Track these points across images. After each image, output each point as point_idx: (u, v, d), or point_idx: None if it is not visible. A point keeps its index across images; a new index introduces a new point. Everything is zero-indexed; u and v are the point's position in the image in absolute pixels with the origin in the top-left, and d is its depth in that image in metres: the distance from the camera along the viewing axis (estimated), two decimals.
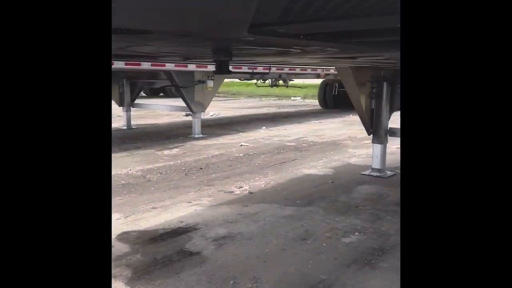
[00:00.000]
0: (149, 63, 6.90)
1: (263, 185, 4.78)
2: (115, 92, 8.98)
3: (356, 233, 3.39)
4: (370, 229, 3.49)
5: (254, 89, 23.54)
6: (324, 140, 8.01)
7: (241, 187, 4.72)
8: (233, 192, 4.53)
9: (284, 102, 18.29)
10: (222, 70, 1.79)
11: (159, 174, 5.28)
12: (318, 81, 14.58)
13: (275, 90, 21.25)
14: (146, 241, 3.21)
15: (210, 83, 7.89)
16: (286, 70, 9.56)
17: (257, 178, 5.11)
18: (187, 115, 10.82)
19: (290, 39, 1.20)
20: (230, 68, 7.17)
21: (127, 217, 3.74)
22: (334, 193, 4.52)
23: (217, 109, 13.69)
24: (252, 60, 3.41)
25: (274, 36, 1.12)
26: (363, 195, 4.44)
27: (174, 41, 1.26)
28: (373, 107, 5.21)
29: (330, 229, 3.48)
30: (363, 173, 5.34)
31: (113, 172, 5.36)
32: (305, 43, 1.29)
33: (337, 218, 3.74)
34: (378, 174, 5.23)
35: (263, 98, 20.32)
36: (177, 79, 7.62)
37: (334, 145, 7.44)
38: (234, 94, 22.79)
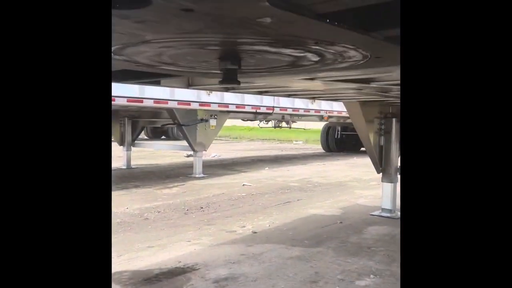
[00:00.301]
0: (152, 100, 6.81)
1: (268, 225, 4.49)
2: (116, 131, 8.84)
3: (372, 276, 3.07)
4: (386, 271, 3.17)
5: (256, 133, 23.56)
6: (329, 181, 7.76)
7: (244, 226, 4.43)
8: (235, 231, 4.24)
9: (286, 145, 18.16)
10: (230, 79, 1.61)
11: (157, 213, 5.00)
12: (320, 125, 14.53)
13: (277, 134, 21.25)
14: (139, 282, 2.90)
15: (213, 122, 7.76)
16: (289, 111, 9.48)
17: (261, 217, 4.83)
18: (188, 156, 10.63)
19: (314, 23, 1.01)
20: (233, 107, 7.02)
21: (120, 256, 3.43)
22: (343, 233, 4.21)
23: (218, 151, 13.52)
24: (260, 88, 3.26)
25: (299, 13, 0.93)
26: (375, 236, 4.14)
27: (175, 27, 1.08)
28: (382, 144, 5.01)
29: (342, 271, 3.17)
30: (372, 213, 5.06)
31: None
32: (329, 32, 1.11)
33: (349, 259, 3.43)
34: (388, 214, 4.95)
35: (266, 142, 20.23)
36: (180, 117, 7.50)
37: (340, 186, 7.17)
38: (236, 138, 22.75)
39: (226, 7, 0.89)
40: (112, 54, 1.59)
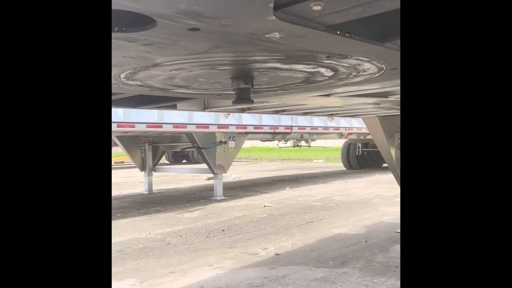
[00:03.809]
0: (171, 125, 6.88)
1: (290, 246, 4.39)
2: (137, 156, 8.94)
3: None
4: None
5: (276, 153, 23.51)
6: (352, 199, 7.60)
7: (266, 248, 4.34)
8: (257, 254, 4.16)
9: (307, 164, 18.01)
10: (243, 99, 1.59)
11: (179, 237, 4.97)
12: (340, 143, 14.39)
13: (297, 153, 21.13)
14: None
15: (232, 144, 7.77)
16: (308, 129, 9.43)
17: (283, 239, 4.73)
18: (209, 179, 10.64)
19: (324, 35, 0.99)
20: (251, 128, 7.00)
21: (142, 282, 3.40)
22: (369, 252, 4.08)
23: (239, 172, 13.50)
24: (275, 106, 3.24)
25: (308, 25, 0.91)
26: None
27: (183, 47, 1.07)
28: None
29: None
30: (398, 231, 4.90)
31: (131, 236, 5.09)
32: (340, 44, 1.08)
33: (376, 279, 3.30)
34: None
35: (285, 162, 20.13)
36: (199, 140, 7.54)
37: (363, 204, 7.02)
38: (256, 159, 22.73)
39: (232, 24, 0.88)
40: (124, 79, 1.60)
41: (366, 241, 4.54)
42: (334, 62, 1.34)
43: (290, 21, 0.87)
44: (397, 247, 4.25)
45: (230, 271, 3.62)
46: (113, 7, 0.77)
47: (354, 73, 1.56)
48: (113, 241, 4.81)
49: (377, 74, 1.59)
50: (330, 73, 1.55)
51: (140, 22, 0.90)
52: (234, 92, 1.68)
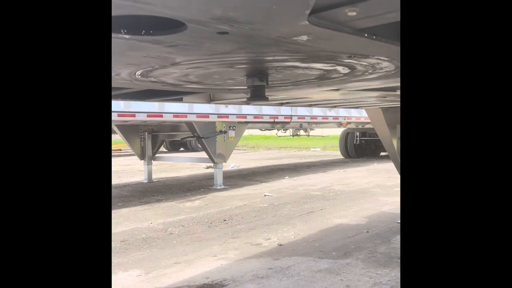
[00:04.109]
0: (171, 114, 6.85)
1: (293, 236, 4.43)
2: (136, 145, 8.92)
3: None
4: None
5: (273, 141, 23.55)
6: (352, 188, 7.65)
7: (269, 238, 4.38)
8: (260, 244, 4.19)
9: (305, 153, 18.06)
10: (258, 96, 1.58)
11: (181, 227, 4.99)
12: (337, 131, 14.42)
13: (294, 141, 21.17)
14: None
15: (232, 133, 7.76)
16: (307, 119, 9.42)
17: (285, 229, 4.77)
18: (208, 167, 10.66)
19: (351, 38, 0.98)
20: (251, 118, 6.97)
21: (148, 273, 3.42)
22: (371, 243, 4.12)
23: (237, 161, 13.52)
24: (281, 99, 3.23)
25: (338, 29, 0.90)
26: None
27: (207, 49, 1.06)
28: None
29: (374, 283, 3.08)
30: (399, 221, 4.95)
31: (134, 225, 5.11)
32: (365, 46, 1.07)
33: (379, 271, 3.34)
34: None
35: (283, 150, 20.17)
36: (199, 130, 7.52)
37: (363, 194, 7.06)
38: (253, 147, 22.75)
39: (264, 28, 0.87)
40: (139, 76, 1.58)
41: (367, 231, 4.58)
42: (354, 61, 1.33)
43: (321, 25, 0.87)
44: (399, 238, 4.29)
45: (235, 261, 3.65)
46: (147, 13, 0.76)
47: (370, 71, 1.55)
48: (115, 230, 4.83)
49: (393, 72, 1.59)
50: (347, 71, 1.55)
51: (168, 25, 0.89)
52: (247, 88, 1.68)
